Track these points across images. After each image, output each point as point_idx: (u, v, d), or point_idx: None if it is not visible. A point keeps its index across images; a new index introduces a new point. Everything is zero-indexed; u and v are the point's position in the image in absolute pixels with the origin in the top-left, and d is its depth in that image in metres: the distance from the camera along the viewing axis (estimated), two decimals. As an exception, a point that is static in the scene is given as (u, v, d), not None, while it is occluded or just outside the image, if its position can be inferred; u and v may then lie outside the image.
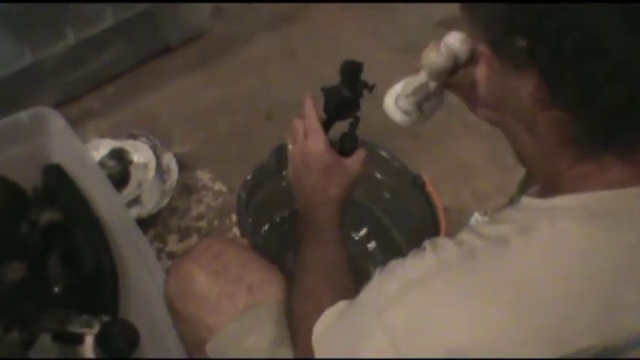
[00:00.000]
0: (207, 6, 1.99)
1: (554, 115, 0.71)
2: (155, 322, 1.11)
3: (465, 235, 0.71)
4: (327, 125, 1.06)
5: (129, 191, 1.55)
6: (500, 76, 0.75)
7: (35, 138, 1.38)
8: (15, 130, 1.35)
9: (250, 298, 0.99)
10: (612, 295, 0.65)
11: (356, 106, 1.09)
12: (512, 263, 0.67)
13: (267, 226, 1.58)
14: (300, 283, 0.93)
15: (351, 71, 1.08)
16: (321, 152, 1.01)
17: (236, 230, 1.62)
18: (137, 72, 1.91)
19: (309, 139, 1.02)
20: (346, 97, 1.08)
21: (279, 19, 2.14)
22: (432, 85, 0.97)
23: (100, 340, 1.12)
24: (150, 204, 1.59)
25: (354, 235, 1.59)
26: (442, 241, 0.72)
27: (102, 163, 1.53)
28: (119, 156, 1.58)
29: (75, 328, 1.14)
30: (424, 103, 1.01)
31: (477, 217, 1.60)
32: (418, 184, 1.50)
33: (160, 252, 1.58)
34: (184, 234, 1.63)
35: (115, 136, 1.66)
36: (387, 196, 1.58)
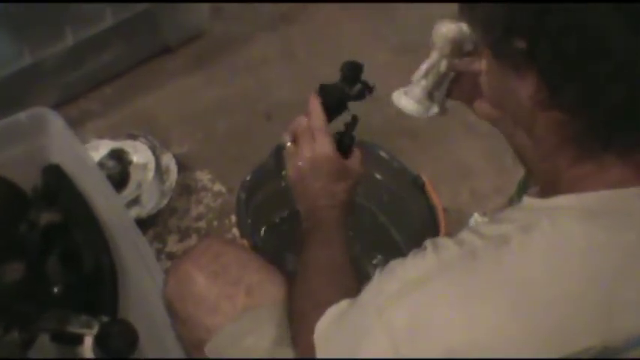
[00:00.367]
0: (207, 6, 1.99)
1: (554, 115, 0.71)
2: (154, 323, 1.11)
3: (465, 235, 0.71)
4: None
5: (128, 192, 1.55)
6: (500, 77, 0.75)
7: (34, 138, 1.38)
8: (14, 130, 1.35)
9: (249, 299, 0.99)
10: (612, 295, 0.65)
11: (345, 105, 1.08)
12: (512, 263, 0.67)
13: (266, 227, 1.58)
14: (305, 282, 0.93)
15: (352, 71, 1.08)
16: (329, 156, 1.00)
17: (235, 231, 1.62)
18: (136, 72, 1.91)
19: (316, 142, 1.01)
20: (349, 95, 1.07)
21: (279, 20, 2.14)
22: (443, 66, 0.98)
23: (99, 341, 1.11)
24: (149, 204, 1.59)
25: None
26: (443, 240, 0.72)
27: (101, 164, 1.53)
28: (118, 156, 1.58)
29: (74, 329, 1.14)
30: (435, 91, 1.02)
31: (476, 218, 1.60)
32: (418, 184, 1.50)
33: (159, 252, 1.58)
34: (184, 234, 1.63)
35: (114, 137, 1.66)
36: (387, 196, 1.58)
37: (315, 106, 1.03)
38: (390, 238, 1.58)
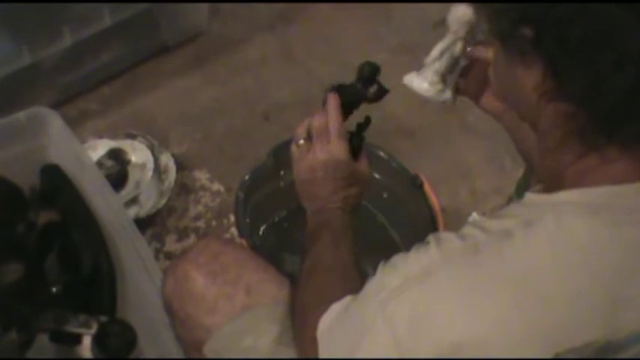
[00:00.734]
0: (205, 6, 1.99)
1: (559, 107, 0.71)
2: (153, 322, 1.11)
3: (468, 230, 0.71)
4: None
5: (127, 191, 1.55)
6: (507, 68, 0.76)
7: (33, 138, 1.38)
8: (13, 130, 1.35)
9: (248, 298, 0.99)
10: (615, 290, 0.65)
11: (358, 106, 1.08)
12: (515, 258, 0.67)
13: (264, 227, 1.58)
14: (311, 280, 0.93)
15: (370, 72, 1.07)
16: (345, 161, 1.01)
17: (234, 230, 1.62)
18: (135, 72, 1.91)
19: (333, 145, 1.01)
20: (366, 96, 1.07)
21: (277, 20, 2.14)
22: (458, 48, 1.00)
23: (98, 340, 1.11)
24: (148, 204, 1.59)
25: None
26: (446, 235, 0.72)
27: (100, 164, 1.53)
28: (117, 156, 1.58)
29: (73, 329, 1.14)
30: (448, 75, 1.03)
31: (475, 218, 1.60)
32: (416, 184, 1.50)
33: (157, 252, 1.58)
34: (182, 234, 1.63)
35: (113, 137, 1.66)
36: (385, 196, 1.58)
37: (335, 106, 1.02)
38: (388, 238, 1.58)
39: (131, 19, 1.72)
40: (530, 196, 0.74)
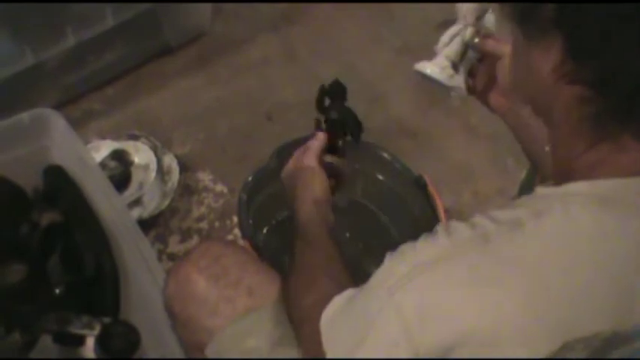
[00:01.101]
0: (208, 6, 1.99)
1: (576, 91, 0.70)
2: (156, 323, 1.11)
3: (478, 219, 0.71)
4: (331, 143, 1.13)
5: (130, 192, 1.55)
6: (523, 53, 0.75)
7: (36, 139, 1.39)
8: (16, 131, 1.35)
9: (249, 300, 0.99)
10: (622, 281, 0.65)
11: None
12: (523, 247, 0.66)
13: (267, 228, 1.58)
14: (299, 276, 0.94)
15: (338, 92, 1.14)
16: (306, 167, 1.09)
17: (237, 231, 1.62)
18: (138, 73, 1.91)
19: (303, 154, 1.11)
20: (334, 119, 1.14)
21: (280, 20, 2.14)
22: (468, 34, 1.02)
23: (101, 341, 1.11)
24: (151, 205, 1.59)
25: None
26: (455, 224, 0.72)
27: (103, 165, 1.53)
28: (120, 157, 1.58)
29: (76, 330, 1.14)
30: (458, 62, 1.05)
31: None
32: (419, 185, 1.50)
33: (160, 253, 1.58)
34: (185, 235, 1.63)
35: (116, 137, 1.67)
36: (388, 197, 1.58)
37: (319, 138, 1.13)
38: (391, 238, 1.58)
39: (134, 19, 1.73)
40: (539, 189, 0.73)
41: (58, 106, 1.60)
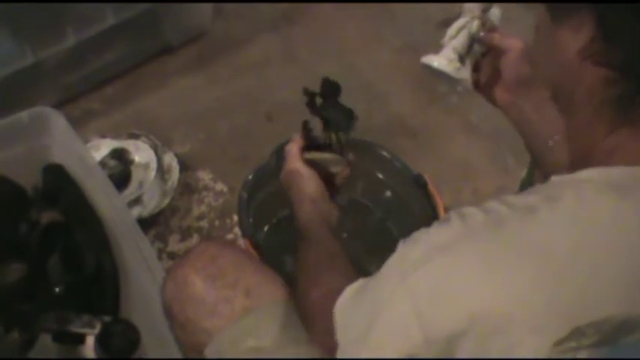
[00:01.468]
0: (209, 6, 1.99)
1: (602, 73, 0.70)
2: (156, 322, 1.11)
3: (492, 204, 0.71)
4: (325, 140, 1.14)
5: (130, 191, 1.55)
6: (550, 34, 0.75)
7: (36, 138, 1.38)
8: (16, 130, 1.35)
9: (247, 300, 0.99)
10: (633, 268, 0.65)
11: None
12: (537, 232, 0.66)
13: (268, 226, 1.58)
14: (304, 275, 0.96)
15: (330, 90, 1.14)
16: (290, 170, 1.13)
17: (237, 230, 1.62)
18: (138, 72, 1.91)
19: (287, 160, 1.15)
20: (327, 119, 1.14)
21: (280, 20, 2.14)
22: (474, 26, 1.03)
23: (101, 340, 1.12)
24: (151, 204, 1.59)
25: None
26: (469, 209, 0.72)
27: (103, 163, 1.53)
28: (120, 156, 1.58)
29: (76, 328, 1.14)
30: (465, 54, 1.05)
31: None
32: (419, 184, 1.50)
33: (160, 252, 1.58)
34: (185, 234, 1.63)
35: (116, 136, 1.66)
36: (388, 195, 1.58)
37: (297, 141, 1.15)
38: (391, 238, 1.58)
39: (134, 18, 1.73)
40: (554, 177, 0.73)
41: (58, 105, 1.61)
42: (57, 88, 1.75)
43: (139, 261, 1.20)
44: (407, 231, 1.58)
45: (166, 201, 1.62)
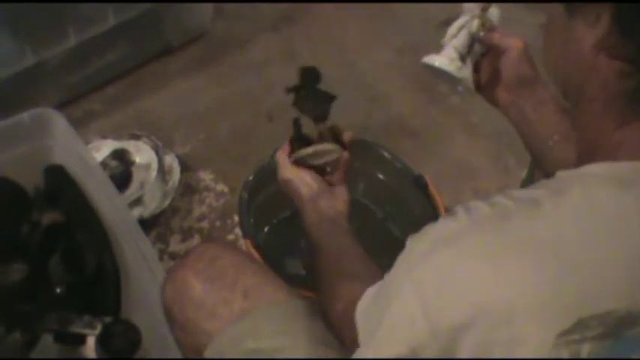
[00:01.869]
0: (210, 6, 1.99)
1: (616, 66, 0.71)
2: (157, 322, 1.11)
3: (498, 198, 0.71)
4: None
5: (131, 192, 1.55)
6: (564, 28, 0.75)
7: (37, 139, 1.39)
8: (17, 130, 1.36)
9: (246, 302, 0.99)
10: (638, 262, 0.65)
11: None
12: (542, 224, 0.67)
13: (268, 227, 1.58)
14: (320, 287, 0.96)
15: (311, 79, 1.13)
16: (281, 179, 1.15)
17: (238, 231, 1.62)
18: (139, 72, 1.91)
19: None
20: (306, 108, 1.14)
21: (281, 20, 2.14)
22: (475, 25, 1.03)
23: (102, 341, 1.12)
24: (152, 205, 1.59)
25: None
26: (475, 203, 0.72)
27: (104, 164, 1.53)
28: (121, 157, 1.58)
29: (77, 329, 1.14)
30: (466, 53, 1.05)
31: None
32: (420, 184, 1.50)
33: (161, 253, 1.58)
34: (186, 234, 1.63)
35: (117, 137, 1.67)
36: (389, 196, 1.58)
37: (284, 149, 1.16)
38: (391, 238, 1.58)
39: (135, 19, 1.73)
40: (560, 172, 0.74)
41: (59, 106, 1.60)
42: (58, 88, 1.75)
43: (139, 261, 1.20)
44: (407, 231, 1.58)
45: (167, 202, 1.62)
